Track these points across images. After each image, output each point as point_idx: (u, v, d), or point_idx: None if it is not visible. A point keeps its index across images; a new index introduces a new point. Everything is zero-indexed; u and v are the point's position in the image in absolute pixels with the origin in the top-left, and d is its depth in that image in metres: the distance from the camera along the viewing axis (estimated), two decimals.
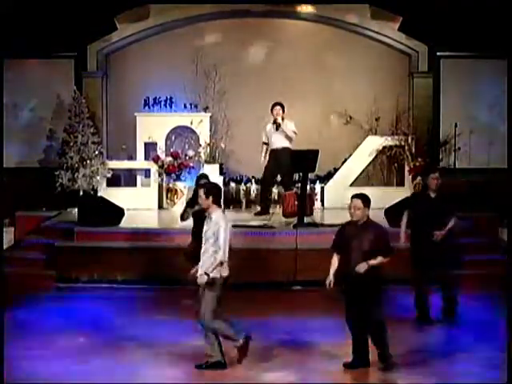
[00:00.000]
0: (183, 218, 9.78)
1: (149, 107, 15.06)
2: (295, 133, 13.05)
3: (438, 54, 15.23)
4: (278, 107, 13.06)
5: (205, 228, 7.28)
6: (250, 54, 15.59)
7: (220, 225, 7.12)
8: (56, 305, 9.99)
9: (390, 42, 15.64)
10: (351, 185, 14.55)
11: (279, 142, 13.01)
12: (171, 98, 15.04)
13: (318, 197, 14.57)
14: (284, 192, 12.86)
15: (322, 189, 14.68)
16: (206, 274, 7.07)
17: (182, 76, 15.10)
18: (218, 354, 7.24)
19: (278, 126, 13.00)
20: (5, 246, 12.11)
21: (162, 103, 15.06)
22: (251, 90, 15.27)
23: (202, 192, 7.27)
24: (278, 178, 13.51)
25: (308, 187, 12.92)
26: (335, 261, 7.34)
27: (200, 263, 7.22)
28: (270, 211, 13.05)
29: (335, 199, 14.46)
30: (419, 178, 14.15)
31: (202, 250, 7.25)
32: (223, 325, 7.22)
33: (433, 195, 8.95)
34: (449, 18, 14.07)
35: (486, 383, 6.97)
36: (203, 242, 7.26)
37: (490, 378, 7.03)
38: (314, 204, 13.40)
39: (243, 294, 10.25)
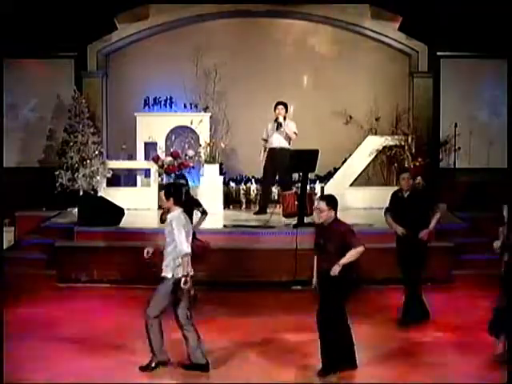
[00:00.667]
0: (162, 220, 9.85)
1: (149, 107, 15.06)
2: (296, 133, 13.07)
3: (438, 53, 15.20)
4: (281, 106, 13.10)
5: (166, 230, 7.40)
6: (250, 54, 15.56)
7: (172, 224, 7.25)
8: (56, 305, 9.99)
9: (390, 41, 15.63)
10: (351, 185, 14.57)
11: (278, 141, 13.06)
12: (171, 98, 15.04)
13: (318, 197, 14.56)
14: (283, 192, 12.89)
15: (322, 189, 14.67)
16: (184, 276, 7.15)
17: (182, 76, 15.09)
18: (198, 356, 7.23)
19: (279, 125, 13.03)
20: (5, 246, 12.12)
21: (162, 103, 15.06)
22: (251, 89, 15.26)
23: (162, 194, 7.43)
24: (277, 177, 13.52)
25: (308, 187, 12.93)
26: (316, 260, 7.42)
27: (163, 265, 7.32)
28: (270, 211, 13.05)
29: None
30: (419, 177, 14.16)
31: (164, 253, 7.36)
32: (159, 336, 7.25)
33: (405, 195, 9.09)
34: (449, 18, 14.05)
35: (486, 383, 6.98)
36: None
37: (489, 378, 7.03)
38: (313, 204, 13.39)
39: (243, 294, 10.28)
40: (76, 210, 12.59)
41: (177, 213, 7.35)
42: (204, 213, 9.84)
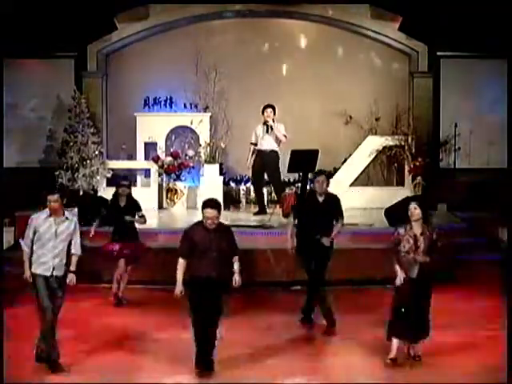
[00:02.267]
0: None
1: (149, 107, 15.07)
2: (285, 136, 13.08)
3: (438, 53, 15.22)
4: (270, 109, 13.11)
5: (56, 230, 7.37)
6: (250, 54, 15.58)
7: (77, 224, 7.48)
8: None
9: (390, 41, 15.64)
10: (351, 185, 14.56)
11: (268, 144, 13.10)
12: (171, 98, 15.05)
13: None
14: (279, 193, 12.92)
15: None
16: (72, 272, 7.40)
17: (182, 76, 15.10)
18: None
19: (269, 128, 13.04)
20: (5, 246, 12.10)
21: (162, 103, 15.08)
22: (251, 89, 15.27)
23: (57, 196, 7.44)
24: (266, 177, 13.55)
25: (308, 187, 12.92)
26: (183, 267, 7.19)
27: (52, 265, 7.32)
28: (270, 211, 13.06)
29: None
30: (419, 177, 14.17)
31: (55, 253, 7.34)
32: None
33: (320, 199, 8.87)
34: (449, 18, 14.06)
35: (486, 383, 6.98)
36: (51, 245, 7.34)
37: (489, 379, 7.03)
38: None
39: (243, 294, 10.25)
40: (76, 209, 12.57)
41: (70, 213, 7.54)
42: (143, 217, 10.11)
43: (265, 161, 13.12)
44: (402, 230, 7.52)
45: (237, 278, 7.25)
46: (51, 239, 7.35)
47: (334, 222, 8.93)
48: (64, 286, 7.43)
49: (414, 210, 7.50)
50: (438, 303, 9.47)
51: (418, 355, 7.56)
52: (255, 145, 13.24)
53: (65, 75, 15.15)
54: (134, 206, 10.09)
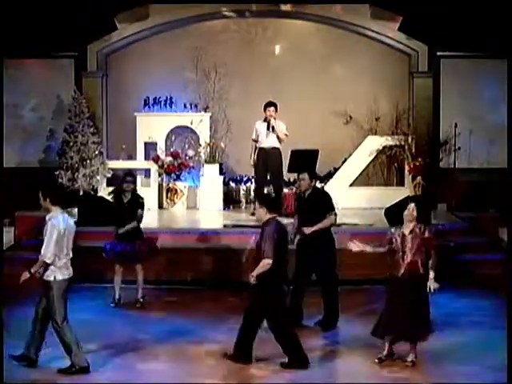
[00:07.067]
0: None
1: (149, 107, 15.07)
2: (286, 135, 13.05)
3: (438, 54, 15.23)
4: (272, 108, 13.01)
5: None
6: (250, 54, 15.58)
7: (48, 224, 7.19)
8: None
9: (390, 41, 15.65)
10: (351, 185, 14.57)
11: (271, 142, 13.02)
12: (171, 98, 15.05)
13: None
14: (284, 193, 12.93)
15: (322, 188, 14.66)
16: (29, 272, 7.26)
17: (182, 76, 15.11)
18: (81, 359, 7.16)
19: (272, 128, 12.99)
20: (5, 246, 12.10)
21: (162, 103, 15.07)
22: (251, 89, 15.27)
23: (39, 194, 7.26)
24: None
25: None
26: None
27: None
28: None
29: (335, 199, 14.45)
30: (419, 177, 14.17)
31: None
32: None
33: (306, 194, 9.03)
34: (449, 17, 14.06)
35: (485, 383, 6.98)
36: None
37: (489, 379, 7.03)
38: None
39: (243, 294, 10.26)
40: (76, 209, 12.58)
41: (55, 213, 7.25)
42: (139, 221, 9.85)
43: (269, 158, 13.05)
44: (393, 230, 7.50)
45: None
46: None
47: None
48: (48, 290, 7.47)
49: (411, 211, 7.49)
50: (439, 303, 9.50)
51: (412, 360, 7.45)
52: (256, 141, 13.20)
53: (65, 75, 15.15)
54: (136, 204, 9.81)
